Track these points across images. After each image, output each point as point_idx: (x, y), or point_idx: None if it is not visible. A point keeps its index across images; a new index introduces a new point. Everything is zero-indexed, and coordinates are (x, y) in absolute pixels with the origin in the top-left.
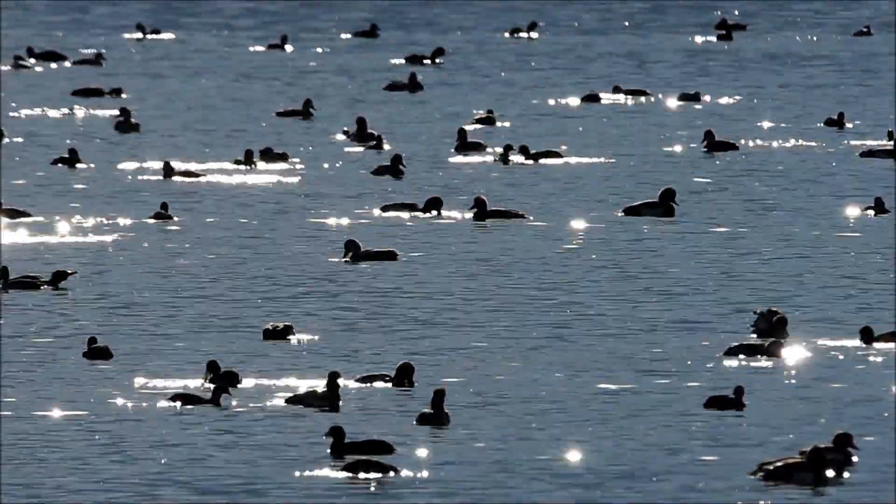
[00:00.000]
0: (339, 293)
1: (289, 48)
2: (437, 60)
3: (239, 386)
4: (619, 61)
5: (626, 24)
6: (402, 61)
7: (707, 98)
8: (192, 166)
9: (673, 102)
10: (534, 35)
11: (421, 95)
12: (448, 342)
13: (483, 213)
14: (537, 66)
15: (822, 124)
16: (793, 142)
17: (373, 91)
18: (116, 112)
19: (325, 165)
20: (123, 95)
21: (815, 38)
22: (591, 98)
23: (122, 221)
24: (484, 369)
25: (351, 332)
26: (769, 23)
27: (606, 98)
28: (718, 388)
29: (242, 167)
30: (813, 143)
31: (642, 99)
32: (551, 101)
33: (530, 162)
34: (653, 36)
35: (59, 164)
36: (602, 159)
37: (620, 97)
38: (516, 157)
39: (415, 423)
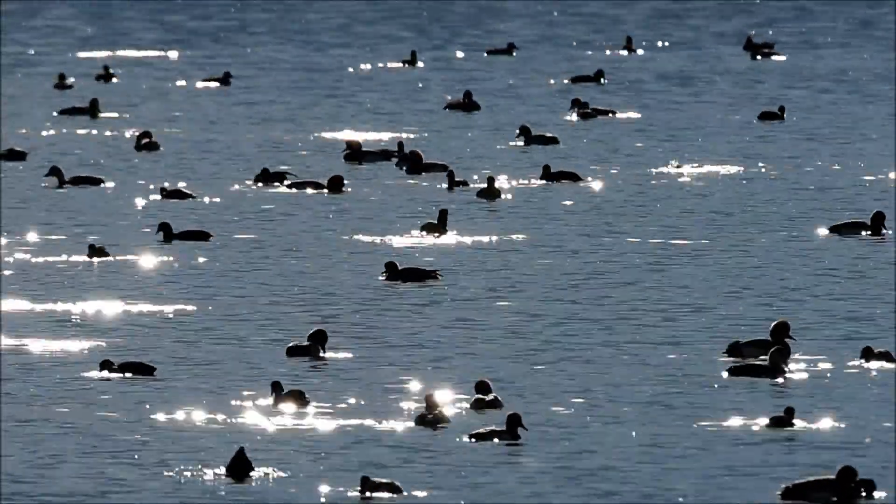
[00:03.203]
0: (377, 312)
1: (420, 64)
2: (602, 81)
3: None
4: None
5: (661, 43)
6: (568, 82)
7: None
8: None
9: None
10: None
11: (476, 115)
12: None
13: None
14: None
15: None
16: None
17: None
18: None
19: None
20: (106, 114)
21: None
22: (587, 115)
23: (152, 238)
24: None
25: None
26: (794, 41)
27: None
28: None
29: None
30: None
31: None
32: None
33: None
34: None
35: (79, 184)
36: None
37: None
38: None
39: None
